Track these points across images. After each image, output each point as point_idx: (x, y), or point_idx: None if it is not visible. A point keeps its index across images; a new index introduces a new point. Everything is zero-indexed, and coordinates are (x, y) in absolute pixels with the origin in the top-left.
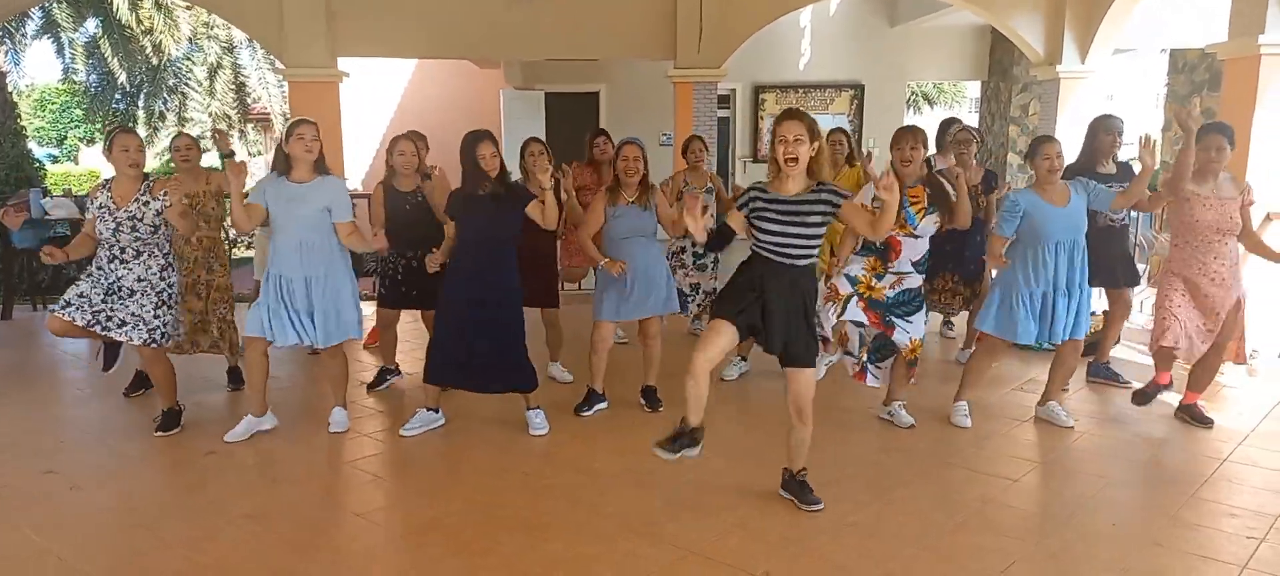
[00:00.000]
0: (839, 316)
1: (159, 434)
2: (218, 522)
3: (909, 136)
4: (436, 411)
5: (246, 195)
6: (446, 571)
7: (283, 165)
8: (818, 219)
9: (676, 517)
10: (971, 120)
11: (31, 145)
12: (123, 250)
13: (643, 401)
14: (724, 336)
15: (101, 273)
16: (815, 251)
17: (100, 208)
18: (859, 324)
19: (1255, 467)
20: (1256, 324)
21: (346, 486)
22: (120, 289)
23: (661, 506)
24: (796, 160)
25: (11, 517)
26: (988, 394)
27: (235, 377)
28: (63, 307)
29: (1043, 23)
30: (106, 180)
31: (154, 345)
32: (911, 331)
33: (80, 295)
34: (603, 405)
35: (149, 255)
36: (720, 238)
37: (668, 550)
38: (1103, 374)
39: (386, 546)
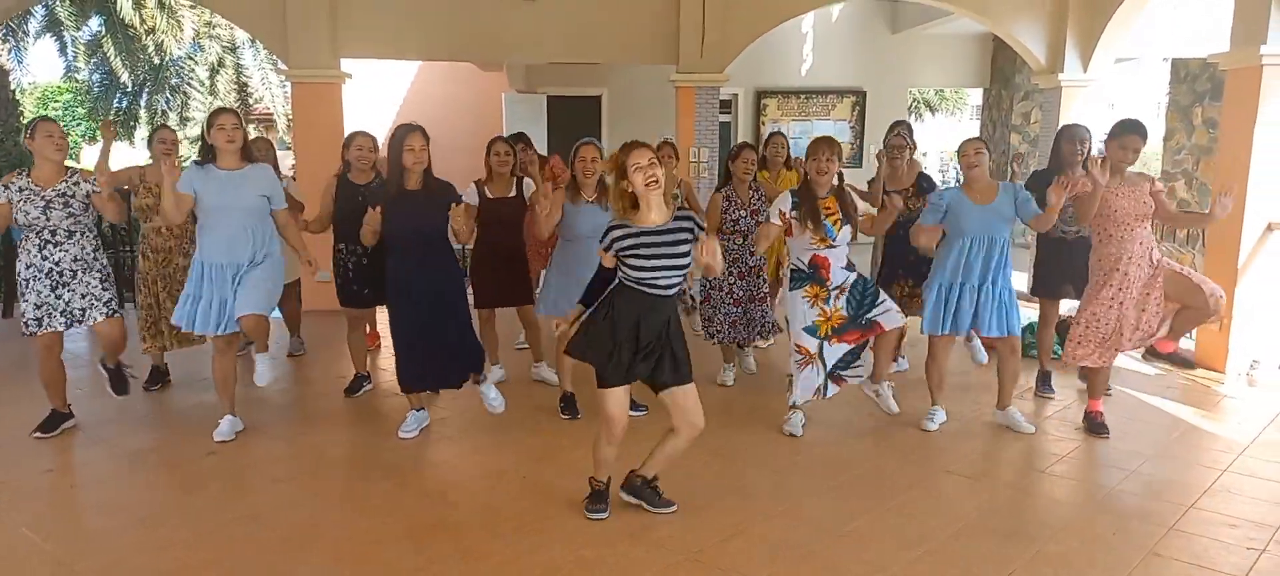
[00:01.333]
0: (825, 374)
1: (116, 396)
2: (215, 522)
3: (825, 147)
4: (423, 410)
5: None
6: (445, 574)
7: (207, 154)
8: (686, 247)
9: (674, 522)
10: (973, 128)
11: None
12: (53, 232)
13: (560, 406)
14: (626, 405)
15: (35, 267)
16: (685, 278)
17: (21, 190)
18: (846, 356)
19: (1255, 478)
20: (1258, 336)
21: (344, 487)
22: (62, 274)
23: (660, 510)
24: (658, 181)
25: (9, 515)
26: (986, 401)
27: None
28: (34, 327)
29: (1045, 31)
30: (22, 169)
31: (115, 315)
32: (885, 309)
33: (38, 306)
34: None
35: (81, 234)
36: (600, 282)
37: (666, 554)
38: (1083, 380)
39: (385, 548)
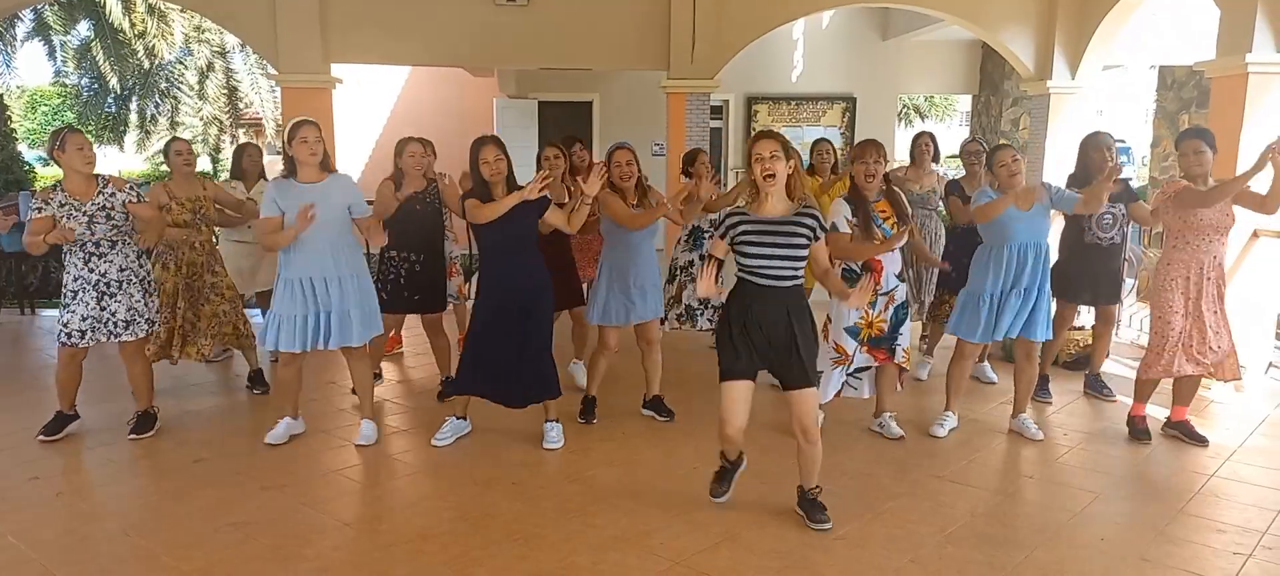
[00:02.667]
0: (848, 373)
1: (133, 437)
2: (203, 530)
3: (872, 150)
4: (464, 419)
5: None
6: None
7: (289, 167)
8: (802, 241)
9: (668, 529)
10: (963, 134)
11: (22, 148)
12: (97, 244)
13: (652, 413)
14: (745, 399)
15: (82, 280)
16: (801, 271)
17: (62, 205)
18: (864, 368)
19: (1243, 483)
20: (1242, 341)
21: (334, 495)
22: (108, 285)
23: (653, 517)
24: (774, 176)
25: None
26: (978, 407)
27: (257, 381)
28: (79, 338)
29: (1033, 38)
30: (57, 182)
31: (150, 332)
32: (902, 343)
33: (83, 320)
34: (589, 420)
35: (123, 243)
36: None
37: (659, 561)
38: (1094, 387)
39: (374, 556)
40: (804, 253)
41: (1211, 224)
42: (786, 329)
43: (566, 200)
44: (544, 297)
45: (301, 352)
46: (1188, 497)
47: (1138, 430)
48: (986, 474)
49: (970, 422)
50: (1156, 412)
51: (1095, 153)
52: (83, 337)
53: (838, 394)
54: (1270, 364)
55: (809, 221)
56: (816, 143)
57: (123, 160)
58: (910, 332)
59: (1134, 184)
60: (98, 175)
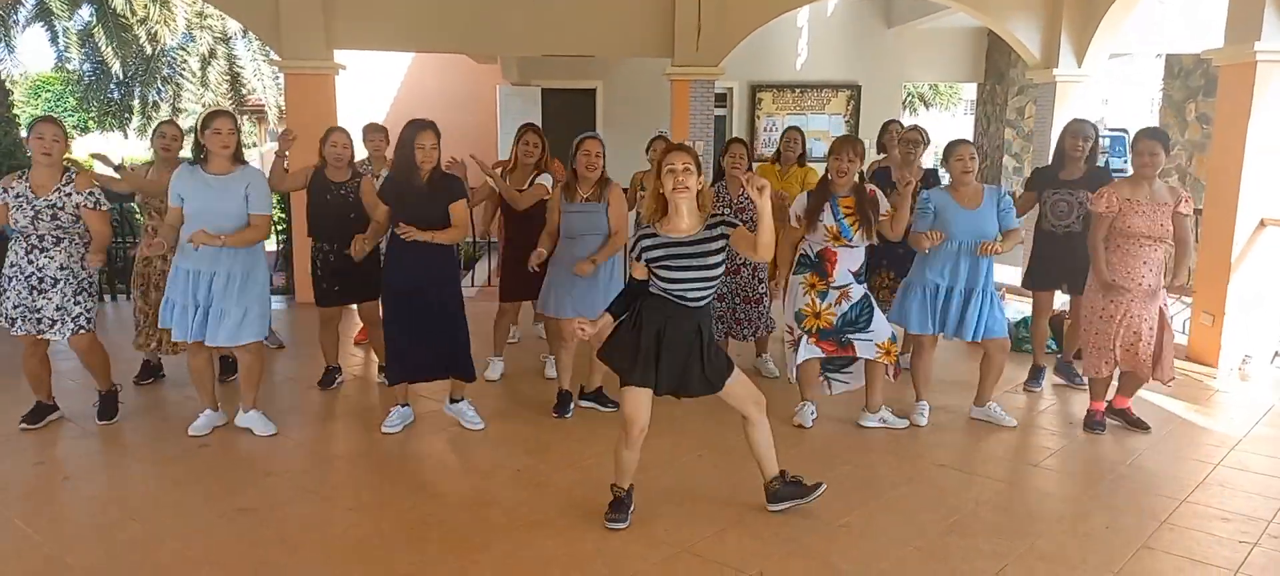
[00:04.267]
0: (797, 361)
1: (102, 422)
2: (208, 516)
3: (848, 147)
4: (407, 406)
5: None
6: (440, 568)
7: (196, 154)
8: (718, 256)
9: (670, 516)
10: (967, 122)
11: (24, 133)
12: (41, 239)
13: (593, 404)
14: (649, 402)
15: (17, 269)
16: (715, 288)
17: (17, 197)
18: (835, 360)
19: (1247, 472)
20: (1249, 331)
21: (339, 481)
22: (42, 282)
23: (658, 505)
24: (686, 190)
25: (1, 509)
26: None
27: (227, 366)
28: (7, 326)
29: (1039, 26)
30: (22, 171)
31: (82, 331)
32: (874, 337)
33: (15, 306)
34: (574, 406)
35: (69, 242)
36: (630, 294)
37: (661, 548)
38: (1063, 372)
39: (379, 542)
40: (720, 268)
41: (1144, 232)
42: (695, 343)
43: (525, 188)
44: (446, 285)
45: (206, 344)
46: (1193, 486)
47: (1093, 422)
48: (990, 462)
49: (970, 411)
50: (1153, 399)
51: (1069, 140)
52: (13, 325)
53: (826, 387)
54: (1276, 353)
55: (718, 231)
56: (787, 130)
57: (126, 146)
58: (887, 327)
59: (1128, 173)
60: (66, 167)
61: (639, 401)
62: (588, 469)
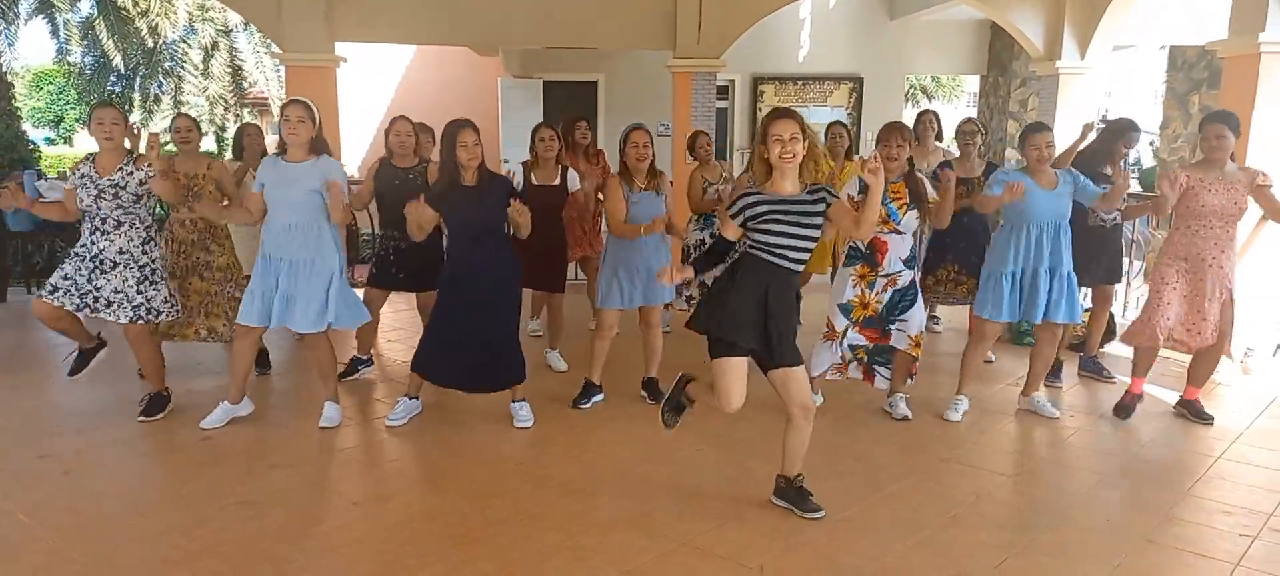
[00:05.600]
0: (841, 352)
1: (142, 419)
2: (211, 509)
3: (897, 133)
4: (416, 399)
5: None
6: (441, 560)
7: (280, 146)
8: (819, 220)
9: (671, 509)
10: (970, 114)
11: (27, 126)
12: (103, 221)
13: (644, 394)
14: (744, 375)
15: (84, 249)
16: (809, 256)
17: (82, 177)
18: (857, 346)
19: (1249, 465)
20: (1250, 322)
21: (341, 474)
22: (103, 263)
23: (656, 498)
24: (793, 157)
25: (3, 501)
26: (983, 389)
27: (261, 362)
28: (51, 292)
29: (1043, 18)
30: (91, 154)
31: (140, 321)
32: (908, 329)
33: (65, 277)
34: (599, 398)
35: (130, 227)
36: (717, 254)
37: (662, 542)
38: (1090, 368)
39: (381, 535)
40: (820, 232)
41: (1215, 210)
42: (792, 308)
43: (556, 182)
44: (510, 287)
45: (256, 328)
46: (1194, 479)
47: (1122, 405)
48: (992, 456)
49: (975, 404)
50: (1155, 391)
51: (1118, 141)
52: (53, 292)
53: (841, 371)
54: (1278, 346)
55: (822, 198)
56: (831, 125)
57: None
58: (921, 319)
59: (1144, 165)
60: (129, 151)
61: (738, 372)
62: (590, 464)
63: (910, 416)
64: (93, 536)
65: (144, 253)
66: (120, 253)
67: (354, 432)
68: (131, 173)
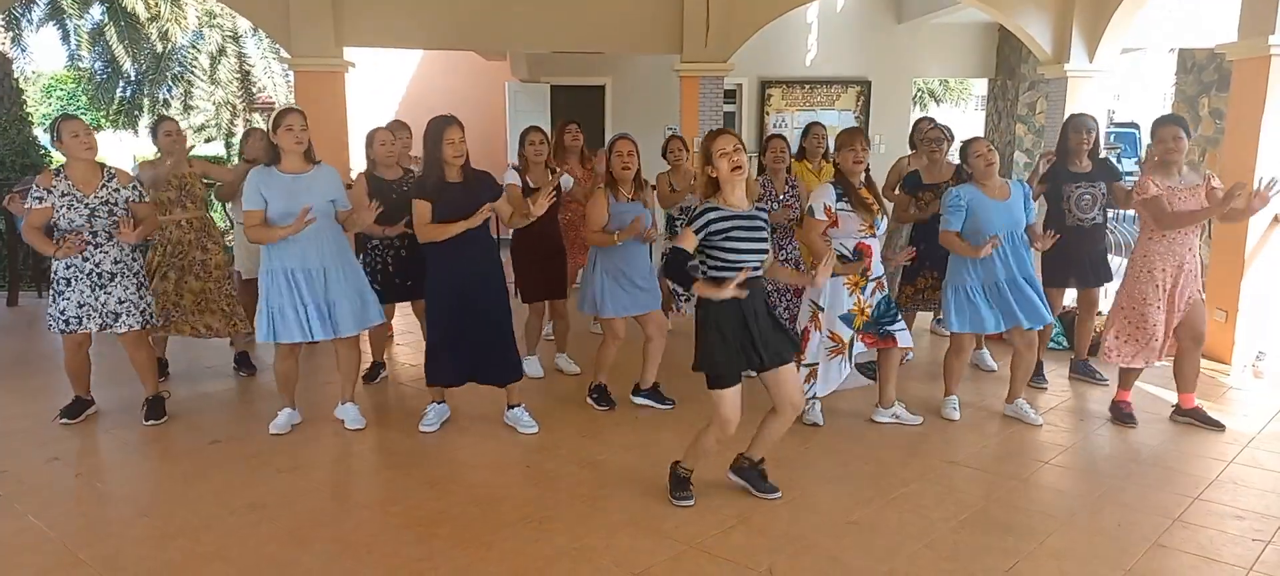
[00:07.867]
0: (850, 365)
1: (149, 424)
2: (219, 512)
3: (859, 138)
4: (443, 403)
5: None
6: (449, 563)
7: (272, 156)
8: (766, 230)
9: (678, 512)
10: (978, 118)
11: (38, 132)
12: (95, 234)
13: (646, 401)
14: (739, 397)
15: (76, 269)
16: (762, 264)
17: (63, 196)
18: (867, 360)
19: (1261, 470)
20: (1261, 326)
21: (348, 477)
22: (101, 275)
23: (663, 500)
24: (742, 168)
25: (14, 504)
26: (988, 393)
27: (243, 363)
28: (75, 325)
29: (1051, 21)
30: (58, 168)
31: (148, 325)
32: (898, 328)
33: (80, 305)
34: (609, 406)
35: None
36: (675, 265)
37: (670, 544)
38: (1082, 371)
39: (388, 537)
40: (768, 243)
41: (1188, 217)
42: (767, 311)
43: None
44: (498, 282)
45: (298, 344)
46: (1205, 484)
47: (1122, 414)
48: (1000, 459)
49: (983, 409)
50: (1166, 396)
51: (1074, 135)
52: (79, 324)
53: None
54: None
55: (764, 213)
56: (810, 126)
57: (137, 144)
58: (898, 316)
59: (1137, 175)
60: (102, 165)
61: (735, 401)
62: (597, 466)
63: (922, 420)
64: (101, 539)
65: (134, 259)
66: (115, 262)
67: (362, 437)
68: (117, 189)
